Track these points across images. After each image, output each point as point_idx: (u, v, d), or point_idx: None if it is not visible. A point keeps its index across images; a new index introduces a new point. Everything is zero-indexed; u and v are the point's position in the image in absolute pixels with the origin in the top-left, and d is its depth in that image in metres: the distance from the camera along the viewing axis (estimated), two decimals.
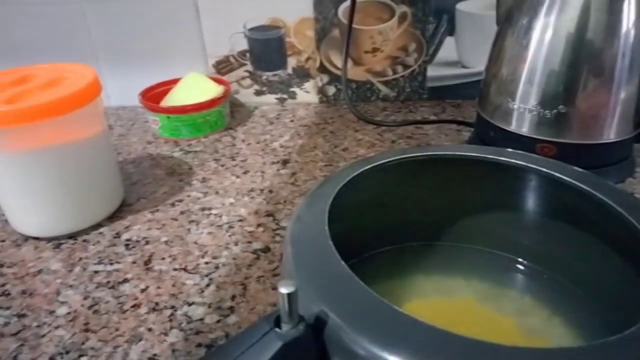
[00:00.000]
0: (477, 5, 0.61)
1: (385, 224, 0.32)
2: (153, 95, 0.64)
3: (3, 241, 0.44)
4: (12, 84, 0.41)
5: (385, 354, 0.17)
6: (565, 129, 0.45)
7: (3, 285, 0.38)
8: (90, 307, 0.35)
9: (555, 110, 0.44)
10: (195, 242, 0.42)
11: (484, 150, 0.30)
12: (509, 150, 0.30)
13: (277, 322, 0.18)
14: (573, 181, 0.27)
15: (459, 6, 0.62)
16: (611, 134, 0.45)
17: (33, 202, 0.41)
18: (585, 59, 0.43)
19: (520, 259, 0.31)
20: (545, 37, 0.44)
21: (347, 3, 0.62)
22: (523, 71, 0.45)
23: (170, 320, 0.34)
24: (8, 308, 0.36)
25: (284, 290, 0.17)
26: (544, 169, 0.28)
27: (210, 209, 0.46)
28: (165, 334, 0.33)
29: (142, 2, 0.66)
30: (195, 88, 0.63)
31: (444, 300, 0.30)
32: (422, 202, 0.33)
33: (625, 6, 0.41)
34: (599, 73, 0.43)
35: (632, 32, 0.42)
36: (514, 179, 0.30)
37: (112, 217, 0.45)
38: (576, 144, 0.45)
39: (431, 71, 0.66)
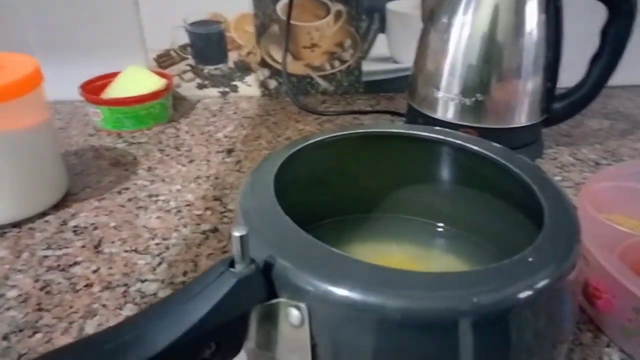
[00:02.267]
0: (405, 5, 0.67)
1: (323, 199, 0.35)
2: (93, 88, 0.64)
3: None
4: None
5: (326, 285, 0.20)
6: (483, 115, 0.50)
7: None
8: (42, 289, 0.36)
9: (474, 99, 0.50)
10: (145, 226, 0.43)
11: (413, 127, 0.34)
12: (436, 127, 0.34)
13: (232, 264, 0.20)
14: (486, 152, 0.31)
15: (389, 6, 0.67)
16: (522, 119, 0.51)
17: None
18: (496, 54, 0.49)
19: (441, 224, 0.36)
20: (462, 34, 0.49)
21: (285, 0, 0.65)
22: (445, 64, 0.51)
23: (124, 296, 0.35)
24: None
25: (237, 233, 0.20)
26: (460, 142, 0.32)
27: (157, 195, 0.48)
28: (120, 309, 0.34)
29: None
30: (137, 81, 0.64)
31: (379, 261, 0.34)
32: (358, 177, 0.36)
33: (529, 8, 0.47)
34: (508, 66, 0.49)
35: (535, 31, 0.48)
36: (435, 153, 0.34)
37: (58, 206, 0.46)
38: (493, 128, 0.51)
39: (366, 66, 0.71)
